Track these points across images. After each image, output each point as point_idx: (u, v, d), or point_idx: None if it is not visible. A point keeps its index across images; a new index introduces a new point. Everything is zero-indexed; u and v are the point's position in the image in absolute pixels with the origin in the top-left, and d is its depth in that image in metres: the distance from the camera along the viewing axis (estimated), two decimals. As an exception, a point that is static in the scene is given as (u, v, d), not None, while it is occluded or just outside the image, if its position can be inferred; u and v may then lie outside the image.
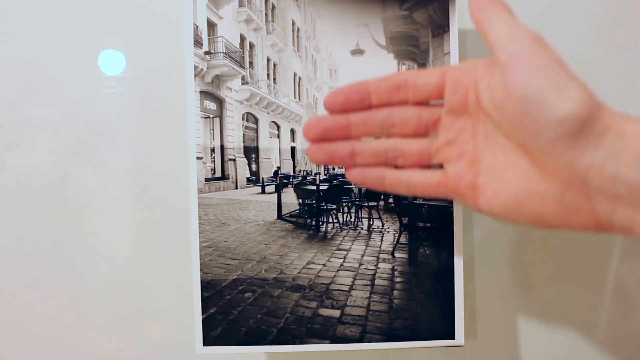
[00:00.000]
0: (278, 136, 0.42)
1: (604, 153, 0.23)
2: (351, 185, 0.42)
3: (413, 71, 0.32)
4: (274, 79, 0.41)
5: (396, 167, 0.32)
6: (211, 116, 0.40)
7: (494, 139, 0.28)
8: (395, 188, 0.32)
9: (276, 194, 0.41)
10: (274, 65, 0.42)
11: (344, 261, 0.40)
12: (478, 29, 0.28)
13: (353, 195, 0.42)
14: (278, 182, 0.41)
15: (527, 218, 0.27)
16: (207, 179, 0.39)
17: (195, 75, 0.37)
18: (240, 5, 0.39)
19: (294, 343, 0.37)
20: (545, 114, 0.24)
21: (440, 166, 0.31)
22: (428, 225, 0.40)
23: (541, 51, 0.25)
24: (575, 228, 0.26)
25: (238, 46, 0.40)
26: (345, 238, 0.41)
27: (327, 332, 0.38)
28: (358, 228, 0.41)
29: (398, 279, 0.39)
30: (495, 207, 0.28)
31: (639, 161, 0.22)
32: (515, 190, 0.27)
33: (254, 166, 0.41)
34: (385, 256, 0.40)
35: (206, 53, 0.39)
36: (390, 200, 0.42)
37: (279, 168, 0.41)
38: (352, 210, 0.42)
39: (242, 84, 0.40)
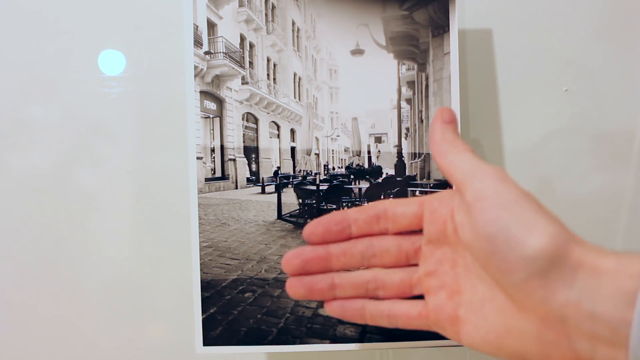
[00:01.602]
0: (278, 136, 0.42)
1: (579, 290, 0.22)
2: (351, 185, 0.42)
3: (392, 201, 0.31)
4: (274, 79, 0.41)
5: (377, 298, 0.31)
6: (211, 116, 0.40)
7: (475, 271, 0.27)
8: (376, 320, 0.31)
9: (276, 194, 0.41)
10: (274, 65, 0.42)
11: (344, 261, 0.40)
12: (444, 175, 0.27)
13: (353, 195, 0.42)
14: (278, 182, 0.41)
15: (507, 354, 0.26)
16: (207, 179, 0.39)
17: (195, 75, 0.37)
18: (240, 5, 0.39)
19: (294, 343, 0.37)
20: (513, 251, 0.23)
21: (422, 297, 0.30)
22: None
23: (505, 188, 0.24)
24: None
25: (238, 46, 0.40)
26: (345, 238, 0.41)
27: (327, 332, 0.38)
28: (358, 228, 0.41)
29: (398, 279, 0.39)
30: (475, 342, 0.27)
31: (618, 298, 0.21)
32: (494, 326, 0.26)
33: (254, 166, 0.41)
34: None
35: (206, 53, 0.39)
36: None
37: (279, 168, 0.41)
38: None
39: (242, 84, 0.40)
